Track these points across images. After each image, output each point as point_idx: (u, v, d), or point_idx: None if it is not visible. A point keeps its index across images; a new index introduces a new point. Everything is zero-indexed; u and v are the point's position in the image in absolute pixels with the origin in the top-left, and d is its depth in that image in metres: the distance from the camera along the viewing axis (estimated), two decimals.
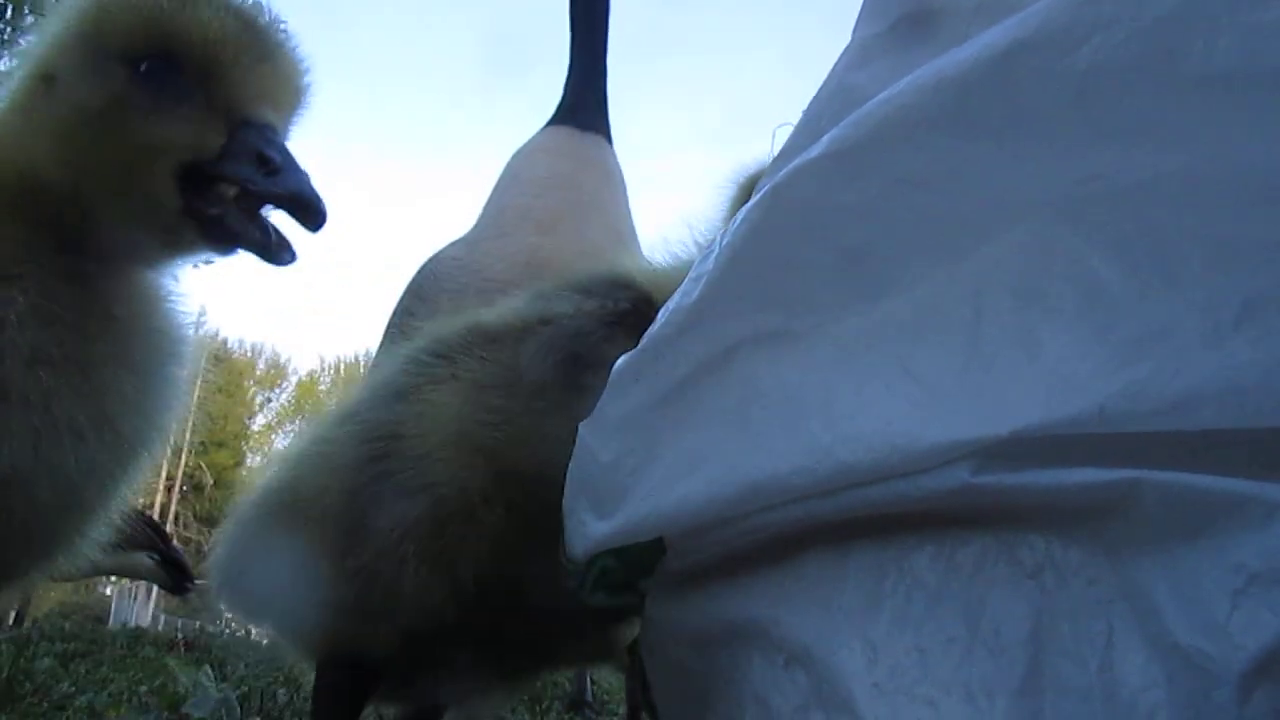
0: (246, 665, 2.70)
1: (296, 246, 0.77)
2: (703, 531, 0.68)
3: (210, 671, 2.10)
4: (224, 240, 0.76)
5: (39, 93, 0.77)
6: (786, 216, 0.69)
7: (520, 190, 1.87)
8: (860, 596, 0.59)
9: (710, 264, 0.71)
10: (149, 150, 0.74)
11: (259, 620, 1.08)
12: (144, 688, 2.11)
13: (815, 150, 0.67)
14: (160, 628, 9.21)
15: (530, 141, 1.97)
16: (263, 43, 0.77)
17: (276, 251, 0.76)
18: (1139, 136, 0.58)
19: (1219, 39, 0.55)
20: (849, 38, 0.80)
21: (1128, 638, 0.52)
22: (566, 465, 0.79)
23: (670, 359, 0.72)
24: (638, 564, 0.74)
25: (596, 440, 0.74)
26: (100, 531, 0.84)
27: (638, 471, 0.71)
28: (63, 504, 0.75)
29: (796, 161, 0.68)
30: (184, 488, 22.87)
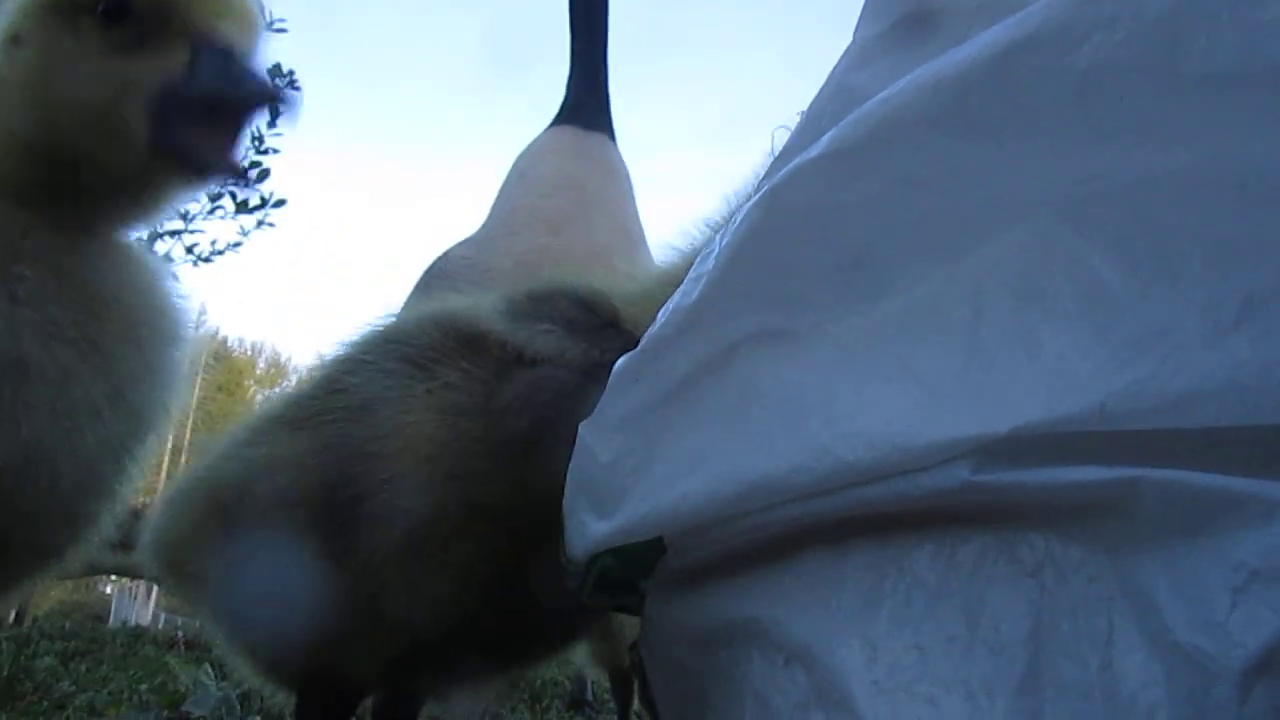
0: None
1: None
2: (703, 530, 0.68)
3: (210, 670, 2.10)
4: (197, 169, 0.78)
5: (9, 58, 0.79)
6: (786, 216, 0.69)
7: (529, 190, 1.87)
8: (860, 595, 0.60)
9: (710, 264, 0.71)
10: (116, 86, 0.75)
11: (237, 650, 1.02)
12: (144, 686, 2.11)
13: (815, 150, 0.67)
14: (160, 626, 9.21)
15: (536, 141, 1.98)
16: None
17: (245, 176, 0.78)
18: (1139, 136, 0.58)
19: (1220, 38, 0.55)
20: (849, 38, 0.80)
21: (1127, 635, 0.52)
22: (541, 501, 0.78)
23: (670, 359, 0.72)
24: (638, 563, 0.74)
25: (596, 440, 0.74)
26: (105, 525, 0.85)
27: (638, 471, 0.71)
28: (82, 480, 0.76)
29: (796, 161, 0.68)
30: None
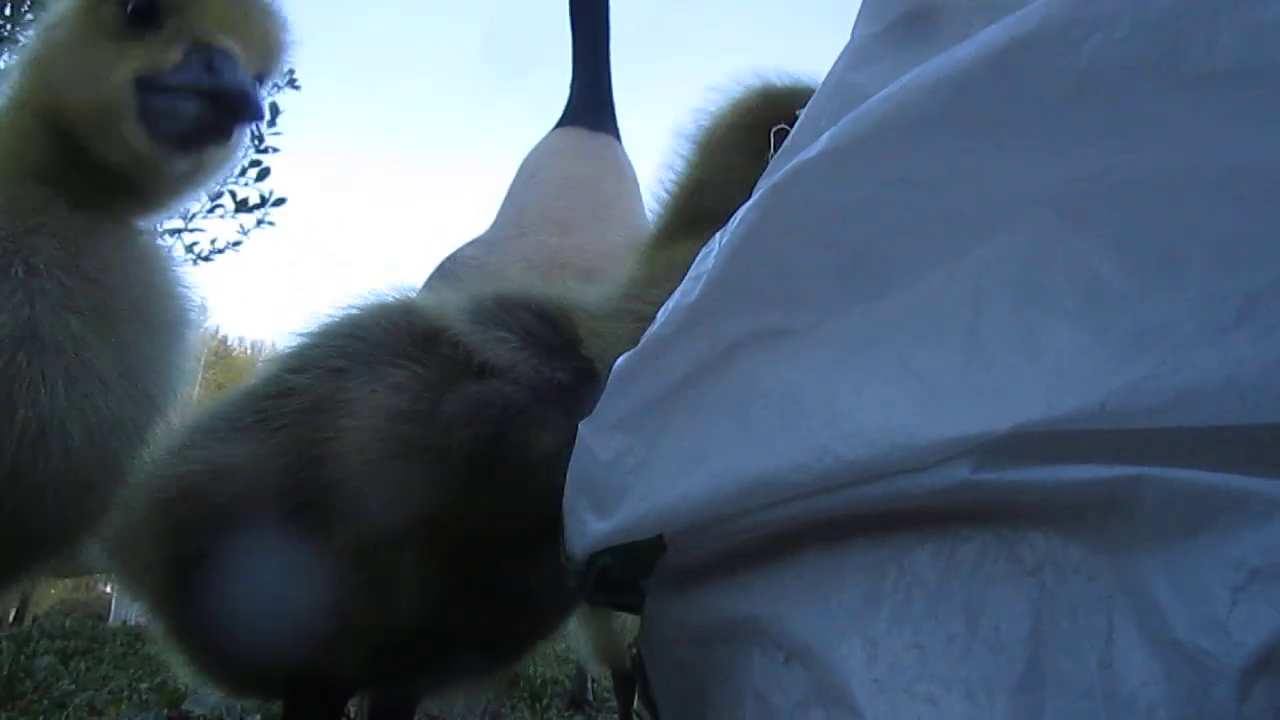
0: None
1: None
2: (703, 529, 0.68)
3: None
4: (173, 125, 0.81)
5: (43, 42, 0.85)
6: (786, 215, 0.69)
7: (538, 191, 1.87)
8: (860, 593, 0.60)
9: (710, 263, 0.71)
10: (112, 60, 0.81)
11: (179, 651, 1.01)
12: (144, 685, 2.11)
13: (814, 149, 0.67)
14: None
15: (542, 143, 1.98)
16: None
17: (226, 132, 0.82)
18: (1140, 134, 0.58)
19: (1220, 36, 0.55)
20: (849, 37, 0.79)
21: (1127, 634, 0.52)
22: (486, 512, 0.79)
23: (670, 358, 0.72)
24: (638, 562, 0.74)
25: (596, 439, 0.74)
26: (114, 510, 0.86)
27: (637, 470, 0.71)
28: (94, 453, 0.77)
29: (796, 160, 0.68)
30: None
